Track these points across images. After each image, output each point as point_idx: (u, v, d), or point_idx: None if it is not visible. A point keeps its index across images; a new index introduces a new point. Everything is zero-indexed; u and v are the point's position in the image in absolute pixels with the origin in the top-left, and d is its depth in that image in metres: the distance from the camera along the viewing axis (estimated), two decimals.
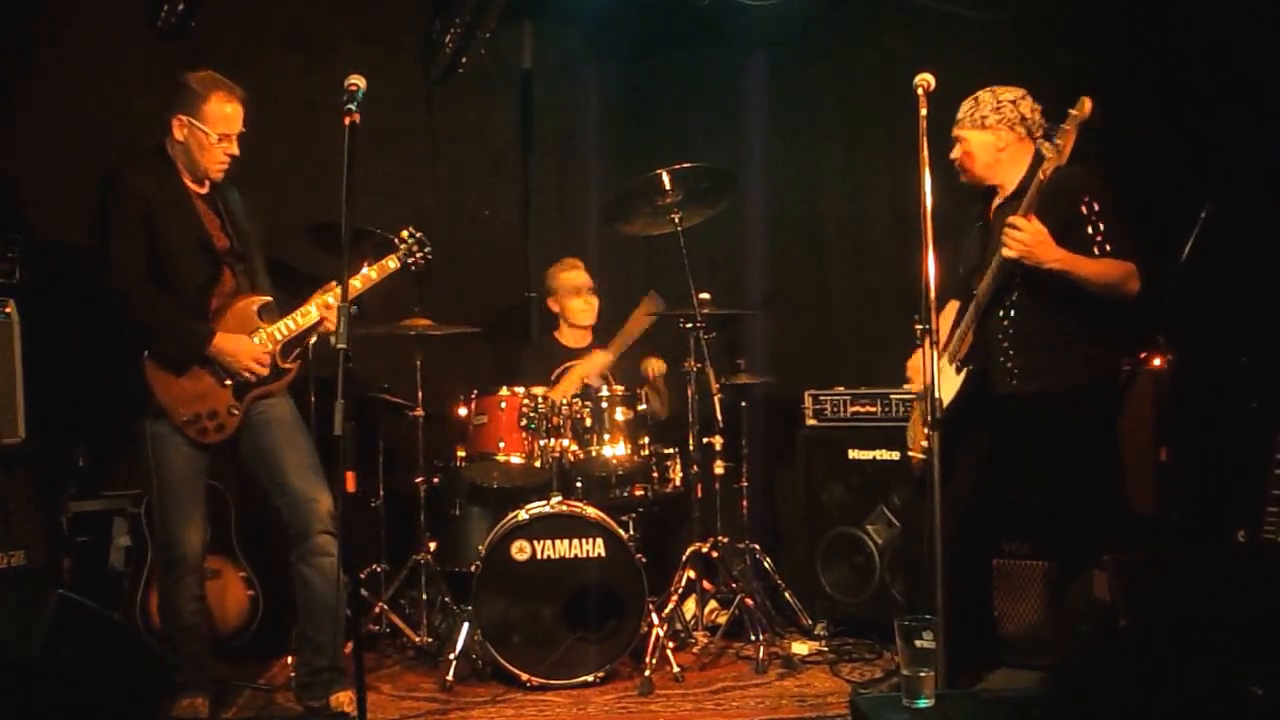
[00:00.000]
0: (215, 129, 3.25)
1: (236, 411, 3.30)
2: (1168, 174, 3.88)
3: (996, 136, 3.32)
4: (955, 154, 3.41)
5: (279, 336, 3.34)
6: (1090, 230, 3.11)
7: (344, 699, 3.31)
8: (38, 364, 3.73)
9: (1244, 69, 3.72)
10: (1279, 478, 3.00)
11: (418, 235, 3.54)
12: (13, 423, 3.64)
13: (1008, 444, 3.36)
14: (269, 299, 3.40)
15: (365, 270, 3.47)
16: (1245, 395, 3.29)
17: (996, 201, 3.42)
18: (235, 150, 3.30)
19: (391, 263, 3.50)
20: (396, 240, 3.51)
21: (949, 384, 3.34)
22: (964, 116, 3.37)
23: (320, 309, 3.37)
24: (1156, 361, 3.64)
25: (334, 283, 3.24)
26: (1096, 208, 3.12)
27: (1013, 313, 3.28)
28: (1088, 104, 2.96)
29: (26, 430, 3.67)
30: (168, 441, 3.24)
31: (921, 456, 3.41)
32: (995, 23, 4.47)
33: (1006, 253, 3.12)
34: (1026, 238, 3.07)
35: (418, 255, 3.53)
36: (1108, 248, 3.10)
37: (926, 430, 3.31)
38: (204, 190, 3.36)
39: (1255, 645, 2.32)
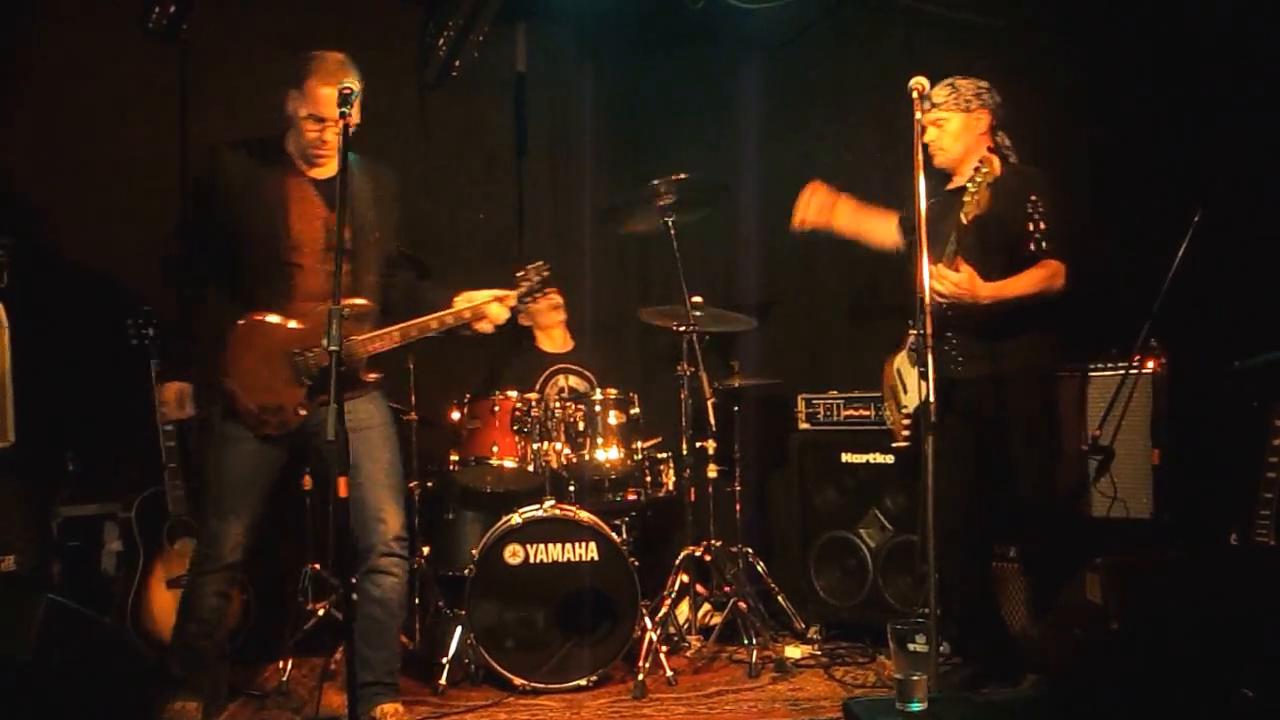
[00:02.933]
0: (304, 109, 3.09)
1: (303, 412, 3.16)
2: (1162, 177, 3.89)
3: (978, 120, 3.47)
4: (933, 136, 3.49)
5: (359, 352, 3.14)
6: (1030, 227, 3.26)
7: (388, 710, 3.23)
8: (27, 368, 3.71)
9: (1240, 73, 3.73)
10: (1270, 480, 3.01)
11: (545, 273, 3.34)
12: (2, 427, 3.63)
13: (964, 429, 3.47)
14: (361, 302, 3.19)
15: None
16: (1238, 398, 3.30)
17: (948, 187, 3.53)
18: (327, 137, 3.09)
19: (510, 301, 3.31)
20: (520, 276, 3.33)
21: (916, 386, 3.53)
22: (946, 99, 3.46)
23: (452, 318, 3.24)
24: (1150, 365, 3.66)
25: (457, 299, 3.25)
26: (1041, 207, 3.26)
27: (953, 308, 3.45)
28: (997, 163, 3.21)
29: (15, 435, 3.65)
30: (237, 445, 3.15)
31: (903, 431, 3.74)
32: (990, 27, 4.47)
33: (939, 290, 3.28)
34: (952, 289, 3.28)
35: (537, 296, 3.39)
36: (1044, 245, 3.26)
37: (906, 428, 3.70)
38: (322, 176, 3.18)
39: (1246, 647, 2.33)
